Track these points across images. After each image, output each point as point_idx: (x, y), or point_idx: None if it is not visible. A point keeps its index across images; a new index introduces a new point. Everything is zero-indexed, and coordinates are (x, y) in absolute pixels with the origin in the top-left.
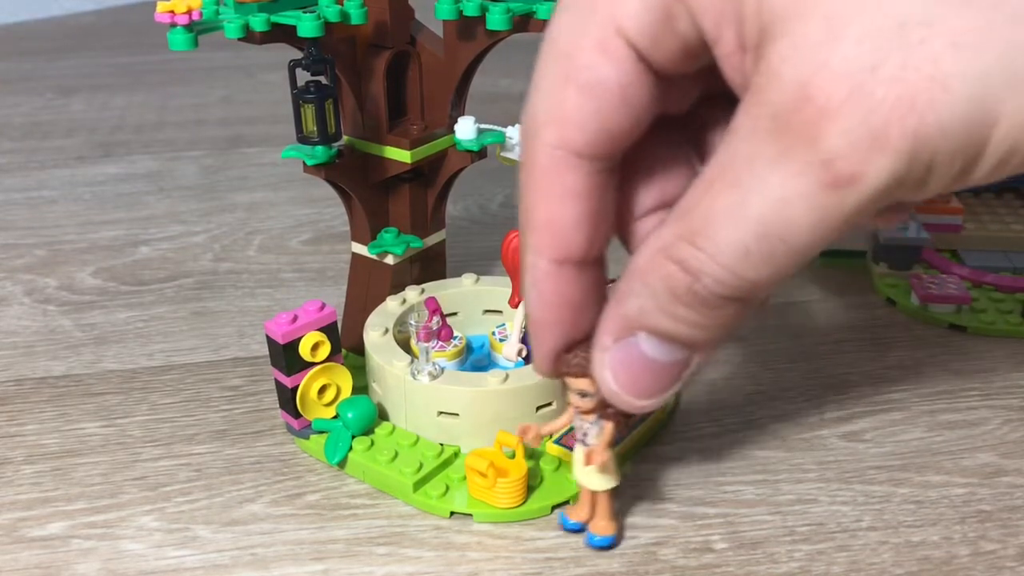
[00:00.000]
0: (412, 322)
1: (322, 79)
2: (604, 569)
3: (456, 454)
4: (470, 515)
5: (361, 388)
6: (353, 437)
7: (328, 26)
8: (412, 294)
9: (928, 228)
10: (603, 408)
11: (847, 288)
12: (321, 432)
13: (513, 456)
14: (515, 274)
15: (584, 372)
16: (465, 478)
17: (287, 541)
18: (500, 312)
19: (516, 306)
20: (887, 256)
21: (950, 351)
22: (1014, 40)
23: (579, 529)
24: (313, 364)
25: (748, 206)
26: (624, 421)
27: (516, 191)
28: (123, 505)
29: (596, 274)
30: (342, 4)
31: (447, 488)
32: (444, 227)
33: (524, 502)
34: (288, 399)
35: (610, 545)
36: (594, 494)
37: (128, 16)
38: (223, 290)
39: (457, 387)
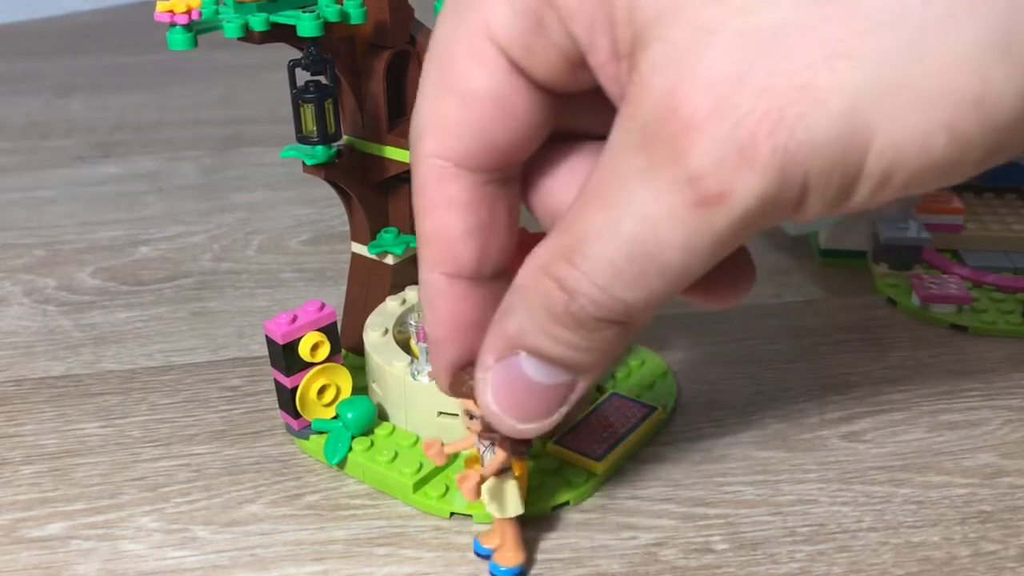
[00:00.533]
0: (412, 322)
1: (322, 79)
2: (604, 570)
3: (456, 455)
4: (470, 516)
5: (361, 388)
6: (353, 438)
7: (328, 26)
8: (412, 294)
9: (929, 228)
10: (488, 431)
11: (848, 288)
12: (321, 432)
13: None
14: (515, 272)
15: (471, 393)
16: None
17: (287, 542)
18: None
19: None
20: (888, 256)
21: (951, 351)
22: (891, 50)
23: (489, 555)
24: (313, 364)
25: (619, 224)
26: (514, 447)
27: None
28: (122, 506)
29: (494, 290)
30: (342, 4)
31: (447, 489)
32: None
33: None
34: (288, 399)
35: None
36: (503, 523)
37: (127, 16)
38: (222, 290)
39: None
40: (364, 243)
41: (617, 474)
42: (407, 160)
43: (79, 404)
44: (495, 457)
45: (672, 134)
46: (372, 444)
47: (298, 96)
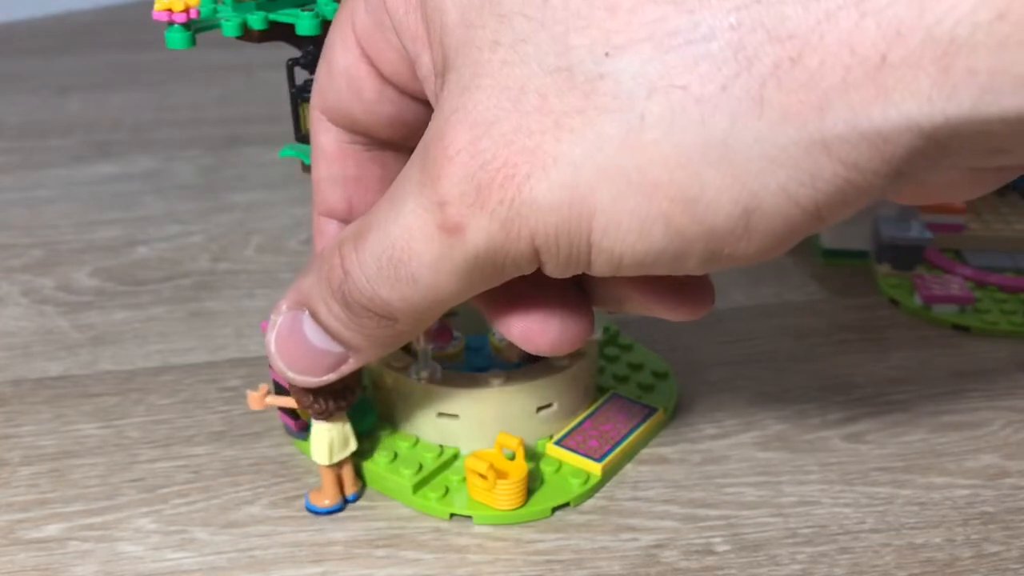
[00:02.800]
0: None
1: None
2: (605, 571)
3: (456, 456)
4: (470, 517)
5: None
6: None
7: (327, 24)
8: None
9: (931, 228)
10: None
11: (850, 288)
12: None
13: (513, 458)
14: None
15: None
16: (465, 480)
17: (285, 543)
18: None
19: None
20: (890, 256)
21: (953, 352)
22: (613, 134)
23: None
24: None
25: (389, 226)
26: (297, 395)
27: None
28: (120, 507)
29: None
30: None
31: (447, 490)
32: None
33: (524, 504)
34: None
35: (324, 513)
36: (320, 467)
37: (125, 15)
38: (221, 290)
39: (457, 388)
40: None
41: (618, 475)
42: None
43: (77, 405)
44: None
45: (436, 158)
46: (371, 445)
47: (297, 95)
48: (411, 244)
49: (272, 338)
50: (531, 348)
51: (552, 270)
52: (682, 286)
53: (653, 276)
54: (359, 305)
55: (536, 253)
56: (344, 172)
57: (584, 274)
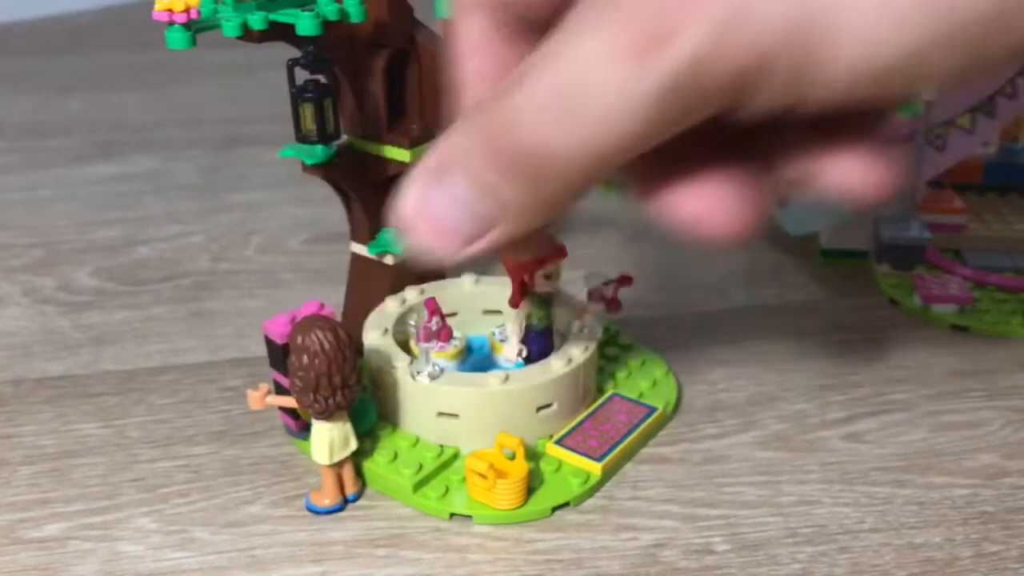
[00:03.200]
0: (412, 323)
1: (321, 78)
2: (605, 571)
3: (456, 455)
4: (469, 517)
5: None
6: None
7: (327, 24)
8: (412, 294)
9: (931, 228)
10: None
11: (849, 288)
12: None
13: (513, 458)
14: (515, 275)
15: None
16: (465, 479)
17: (286, 543)
18: (500, 312)
19: (516, 306)
20: (890, 256)
21: (953, 352)
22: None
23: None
24: None
25: (566, 53)
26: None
27: None
28: (121, 506)
29: None
30: (341, 2)
31: (447, 489)
32: None
33: (524, 503)
34: None
35: (325, 512)
36: (321, 467)
37: (126, 15)
38: (221, 290)
39: (457, 388)
40: (364, 243)
41: (618, 475)
42: (406, 159)
43: (78, 405)
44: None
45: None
46: (371, 445)
47: (297, 95)
48: (593, 71)
49: (415, 197)
50: (705, 231)
51: (760, 102)
52: (869, 149)
53: (842, 136)
54: (523, 153)
55: (746, 79)
56: (494, 62)
57: (762, 144)
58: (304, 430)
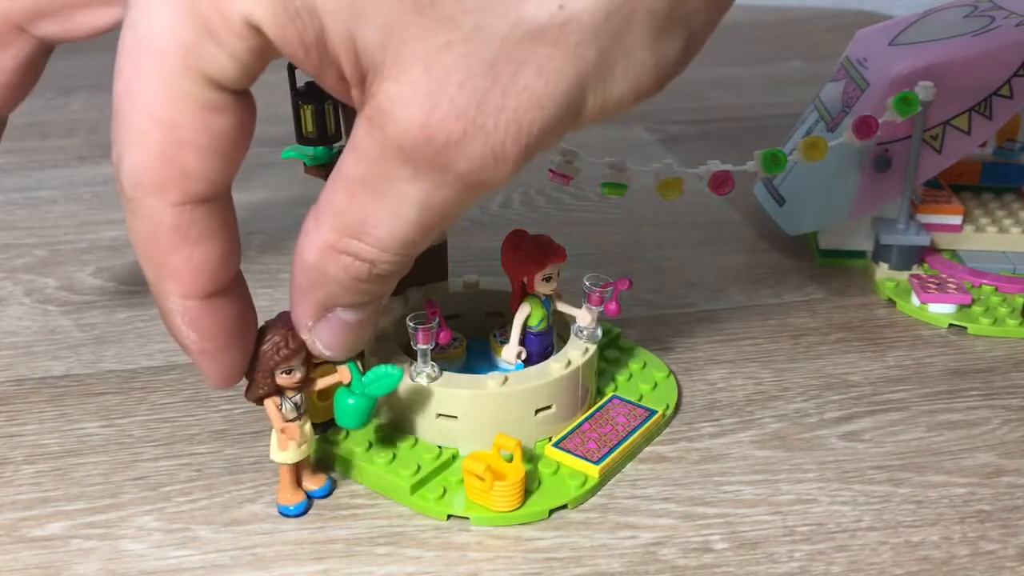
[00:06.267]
0: (412, 324)
1: None
2: (604, 569)
3: (455, 457)
4: (467, 518)
5: None
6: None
7: None
8: (412, 294)
9: (928, 228)
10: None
11: (847, 288)
12: (320, 433)
13: (511, 459)
14: (515, 276)
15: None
16: (463, 481)
17: (287, 541)
18: (501, 315)
19: (515, 309)
20: (887, 256)
21: (950, 351)
22: (586, 58)
23: (296, 512)
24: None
25: (403, 211)
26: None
27: (516, 191)
28: (123, 505)
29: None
30: None
31: (445, 491)
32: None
33: (521, 505)
34: None
35: (295, 514)
36: (281, 466)
37: None
38: None
39: (456, 389)
40: None
41: (616, 474)
42: None
43: (80, 404)
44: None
45: (434, 153)
46: (371, 445)
47: (298, 97)
48: (438, 210)
49: (321, 347)
50: None
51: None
52: None
53: None
54: (391, 273)
55: (542, 148)
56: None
57: None
58: None
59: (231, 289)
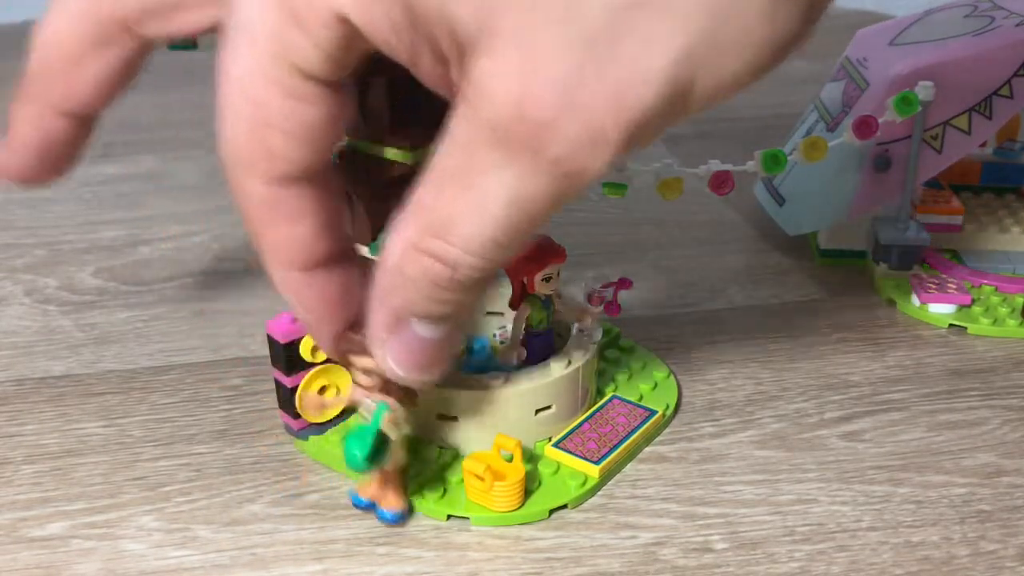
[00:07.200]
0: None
1: None
2: (604, 569)
3: (455, 457)
4: (467, 518)
5: None
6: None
7: None
8: None
9: (928, 228)
10: (386, 384)
11: (847, 288)
12: (319, 434)
13: (511, 459)
14: (515, 276)
15: (364, 351)
16: (463, 481)
17: (287, 541)
18: (502, 314)
19: (516, 308)
20: (887, 256)
21: (950, 351)
22: (697, 30)
23: (371, 506)
24: (313, 365)
25: (488, 206)
26: (408, 398)
27: None
28: (123, 505)
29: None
30: None
31: (444, 491)
32: None
33: (521, 505)
34: (287, 399)
35: (399, 520)
36: (383, 472)
37: None
38: (223, 290)
39: (456, 390)
40: (366, 244)
41: (616, 474)
42: (409, 161)
43: (80, 404)
44: (391, 411)
45: (527, 134)
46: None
47: None
48: (526, 206)
49: (392, 363)
50: None
51: (648, 140)
52: None
53: None
54: (474, 281)
55: (643, 139)
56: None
57: None
58: (303, 429)
59: (332, 263)
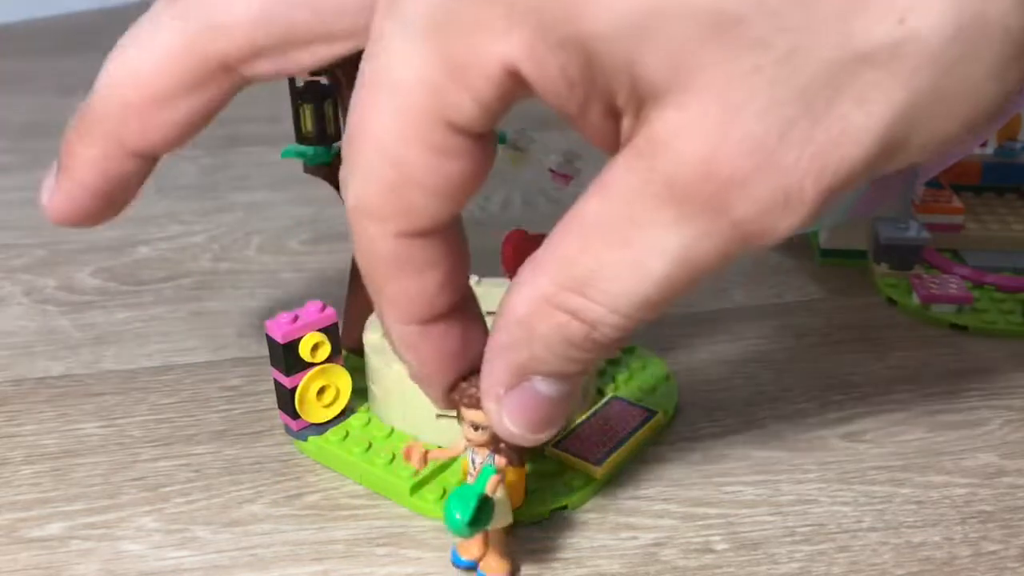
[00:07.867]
0: None
1: (321, 79)
2: (604, 570)
3: (455, 457)
4: None
5: (360, 389)
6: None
7: None
8: None
9: (929, 228)
10: (496, 442)
11: (848, 288)
12: (319, 434)
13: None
14: (515, 275)
15: (476, 404)
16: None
17: (287, 542)
18: None
19: None
20: (888, 256)
21: (951, 351)
22: (920, 87)
23: (472, 567)
24: (313, 365)
25: (650, 263)
26: (516, 456)
27: (517, 191)
28: (122, 506)
29: (462, 320)
30: None
31: (444, 491)
32: None
33: (521, 506)
34: (287, 400)
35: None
36: (485, 531)
37: (127, 15)
38: (222, 290)
39: None
40: None
41: (617, 474)
42: None
43: (79, 404)
44: (498, 469)
45: (712, 192)
46: (370, 446)
47: (297, 97)
48: (692, 267)
49: (507, 421)
50: None
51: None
52: None
53: None
54: (613, 341)
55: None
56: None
57: None
58: (303, 430)
59: (452, 315)
